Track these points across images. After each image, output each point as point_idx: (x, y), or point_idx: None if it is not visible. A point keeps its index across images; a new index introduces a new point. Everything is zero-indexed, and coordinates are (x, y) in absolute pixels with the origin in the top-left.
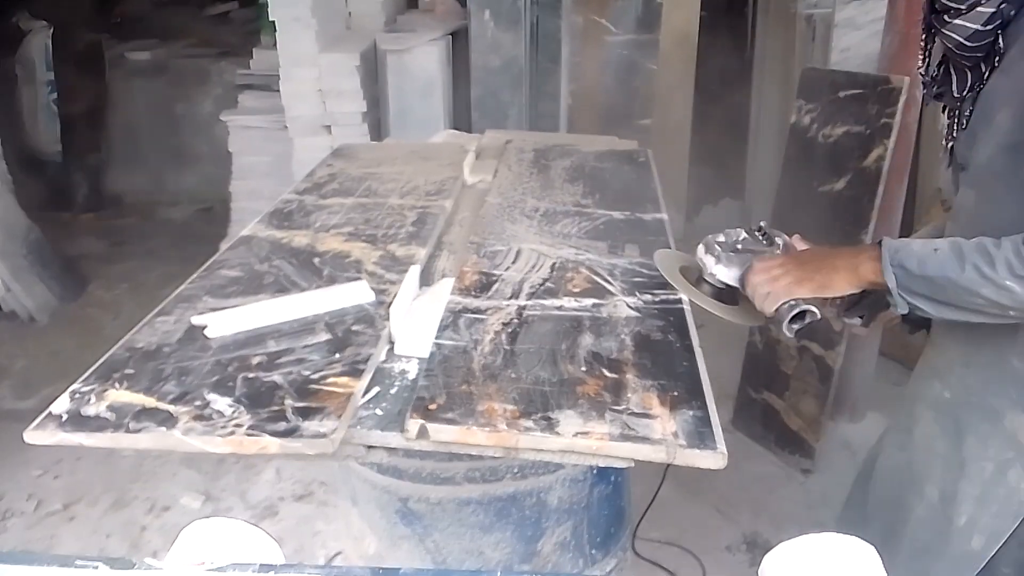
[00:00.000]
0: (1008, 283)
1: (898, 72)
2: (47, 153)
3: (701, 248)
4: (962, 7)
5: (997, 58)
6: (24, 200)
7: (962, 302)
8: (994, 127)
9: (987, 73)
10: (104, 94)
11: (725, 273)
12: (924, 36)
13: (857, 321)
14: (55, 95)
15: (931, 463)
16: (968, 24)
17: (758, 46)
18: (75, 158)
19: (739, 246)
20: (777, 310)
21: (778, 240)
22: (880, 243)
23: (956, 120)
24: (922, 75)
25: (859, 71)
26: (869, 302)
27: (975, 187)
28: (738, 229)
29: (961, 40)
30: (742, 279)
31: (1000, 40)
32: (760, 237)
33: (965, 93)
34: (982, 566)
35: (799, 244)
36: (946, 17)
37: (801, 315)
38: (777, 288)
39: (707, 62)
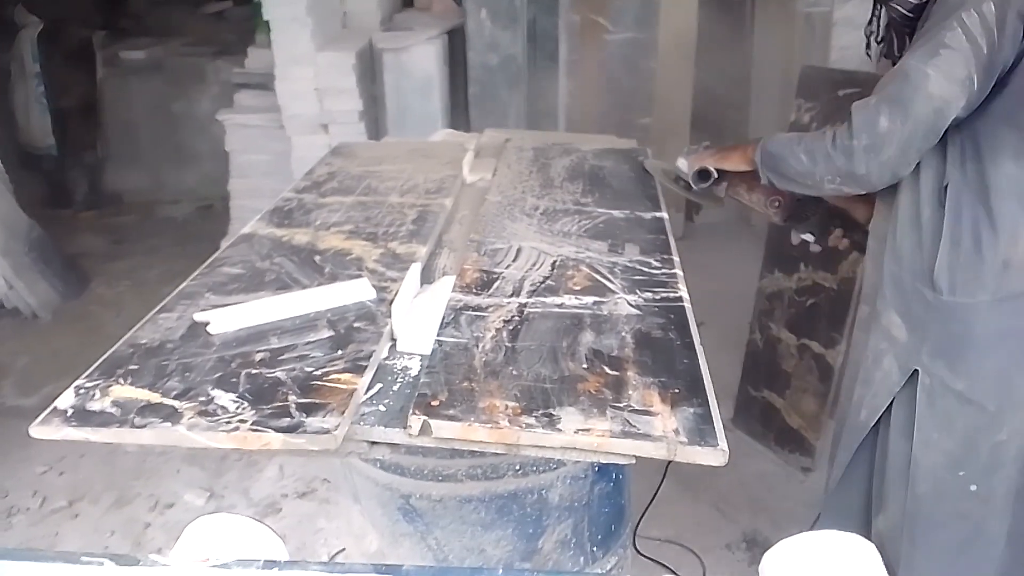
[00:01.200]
0: (801, 156)
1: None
2: (41, 147)
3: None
4: None
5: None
6: (23, 198)
7: (785, 171)
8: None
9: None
10: (95, 91)
11: (684, 164)
12: (874, 5)
13: (811, 237)
14: (43, 88)
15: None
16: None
17: (757, 44)
18: (72, 156)
19: (699, 149)
20: (695, 172)
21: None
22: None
23: None
24: (868, 35)
25: (858, 69)
26: (817, 219)
27: None
28: (707, 142)
29: (904, 12)
30: (690, 166)
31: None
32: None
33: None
34: (866, 433)
35: None
36: None
37: (706, 175)
38: (695, 160)
39: (706, 60)
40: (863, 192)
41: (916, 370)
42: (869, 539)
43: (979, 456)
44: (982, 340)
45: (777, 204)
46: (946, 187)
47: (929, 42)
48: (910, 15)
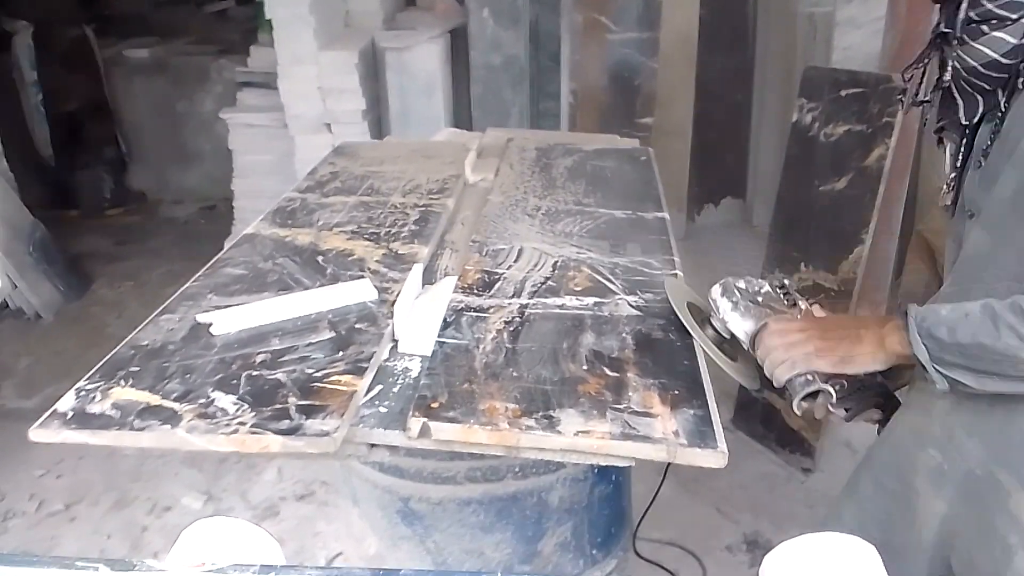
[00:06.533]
0: (1007, 339)
1: (899, 71)
2: (42, 157)
3: (717, 289)
4: (1013, 16)
5: (1022, 79)
6: (26, 198)
7: (1003, 370)
8: (1017, 156)
9: (1006, 98)
10: (100, 88)
11: (738, 323)
12: (929, 52)
13: (843, 413)
14: (41, 96)
15: (945, 538)
16: (1008, 38)
17: (759, 44)
18: (84, 157)
19: (759, 299)
20: (789, 380)
21: (801, 305)
22: (905, 312)
23: (962, 157)
24: (913, 99)
25: (861, 70)
26: (861, 396)
27: (991, 230)
28: (761, 281)
29: (995, 57)
30: (753, 336)
31: None
32: (782, 296)
33: (975, 121)
34: None
35: (819, 313)
36: (984, 27)
37: (813, 393)
38: (794, 356)
39: (708, 60)
40: None
41: None
42: None
43: None
44: None
45: (845, 383)
46: None
47: None
48: (1004, 60)
